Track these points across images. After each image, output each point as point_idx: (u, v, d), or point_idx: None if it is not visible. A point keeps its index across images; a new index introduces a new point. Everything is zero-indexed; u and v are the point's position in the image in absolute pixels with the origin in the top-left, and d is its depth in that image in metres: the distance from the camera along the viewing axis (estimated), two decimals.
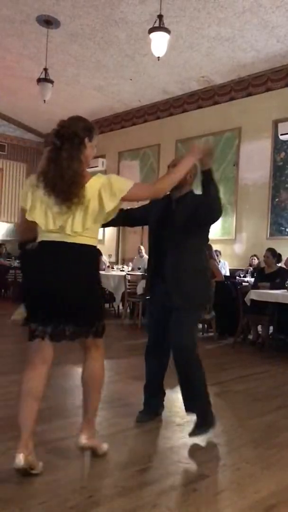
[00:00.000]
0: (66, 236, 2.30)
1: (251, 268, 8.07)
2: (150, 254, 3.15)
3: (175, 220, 2.92)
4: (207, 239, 3.08)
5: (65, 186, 2.28)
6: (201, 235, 3.00)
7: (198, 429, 2.85)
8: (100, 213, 2.34)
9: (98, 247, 2.49)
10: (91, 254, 2.41)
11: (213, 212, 2.89)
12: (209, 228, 3.05)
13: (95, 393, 2.48)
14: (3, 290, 10.98)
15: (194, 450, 2.68)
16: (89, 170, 2.50)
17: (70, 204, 2.29)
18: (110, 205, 2.31)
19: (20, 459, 2.23)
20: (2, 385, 3.84)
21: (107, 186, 2.33)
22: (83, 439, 2.44)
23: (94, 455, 2.51)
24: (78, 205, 2.30)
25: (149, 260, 3.21)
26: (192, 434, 2.84)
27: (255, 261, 8.25)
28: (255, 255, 8.30)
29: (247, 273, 8.01)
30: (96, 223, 2.36)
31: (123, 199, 2.35)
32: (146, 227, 3.21)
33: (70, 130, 2.36)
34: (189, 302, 2.90)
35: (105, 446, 2.56)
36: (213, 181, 2.86)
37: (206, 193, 2.85)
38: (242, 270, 8.33)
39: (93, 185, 2.33)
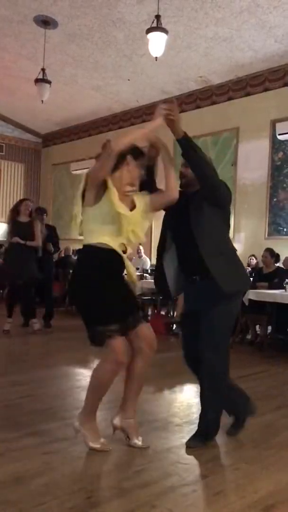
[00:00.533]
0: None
1: (250, 268, 8.06)
2: (166, 254, 2.86)
3: (190, 215, 2.71)
4: (227, 225, 2.84)
5: None
6: (217, 222, 2.72)
7: (197, 438, 2.77)
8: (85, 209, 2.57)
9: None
10: (84, 254, 2.59)
11: (210, 187, 2.61)
12: (224, 212, 2.77)
13: (89, 390, 2.64)
14: (1, 291, 10.95)
15: (192, 451, 2.68)
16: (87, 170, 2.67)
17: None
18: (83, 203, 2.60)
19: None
20: (1, 386, 3.84)
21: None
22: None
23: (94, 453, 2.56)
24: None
25: (167, 260, 2.87)
26: (189, 443, 2.76)
27: (253, 261, 8.25)
28: (253, 255, 8.30)
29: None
30: (87, 222, 2.57)
31: (91, 180, 2.51)
32: None
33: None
34: (221, 291, 2.61)
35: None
36: (193, 149, 2.59)
37: (193, 168, 2.61)
38: None
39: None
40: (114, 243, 2.50)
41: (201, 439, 2.76)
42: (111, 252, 2.50)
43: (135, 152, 2.58)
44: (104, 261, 2.51)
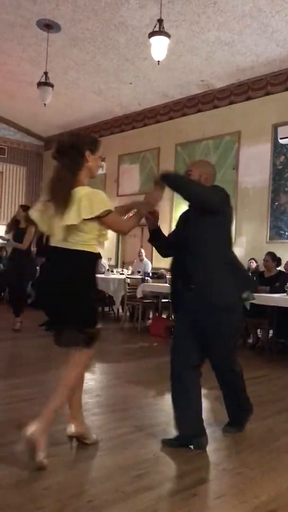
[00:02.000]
0: (56, 241, 2.49)
1: (250, 273, 8.07)
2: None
3: (189, 226, 2.84)
4: (227, 234, 2.90)
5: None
6: (215, 233, 2.75)
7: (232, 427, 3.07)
8: (79, 220, 2.39)
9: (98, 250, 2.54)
10: (75, 259, 2.46)
11: (201, 204, 2.72)
12: (224, 219, 2.80)
13: (60, 395, 2.54)
14: (2, 294, 10.95)
15: (193, 455, 2.68)
16: None
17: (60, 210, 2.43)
18: (84, 214, 2.38)
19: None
20: (2, 389, 3.84)
21: (90, 196, 2.41)
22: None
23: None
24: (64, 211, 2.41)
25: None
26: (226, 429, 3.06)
27: (253, 265, 8.25)
28: (253, 259, 8.30)
29: None
30: (79, 230, 2.42)
31: (101, 220, 2.43)
32: (145, 230, 3.19)
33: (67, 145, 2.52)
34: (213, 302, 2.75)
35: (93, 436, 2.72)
36: (175, 182, 2.74)
37: (184, 195, 2.70)
38: None
39: (77, 192, 2.42)
40: None
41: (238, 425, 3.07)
42: None
43: (92, 145, 2.55)
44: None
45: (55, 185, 2.48)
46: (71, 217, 2.38)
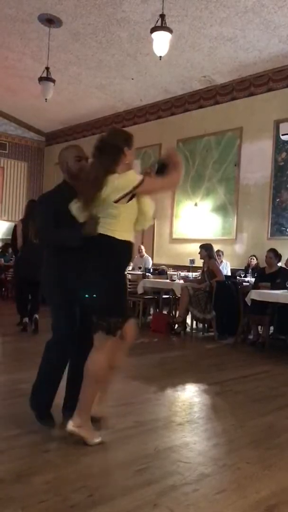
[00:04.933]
0: None
1: (250, 269, 8.09)
2: None
3: None
4: None
5: None
6: None
7: None
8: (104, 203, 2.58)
9: None
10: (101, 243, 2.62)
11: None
12: None
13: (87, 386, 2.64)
14: (3, 289, 10.95)
15: (194, 450, 2.68)
16: None
17: None
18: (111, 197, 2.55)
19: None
20: (5, 384, 3.85)
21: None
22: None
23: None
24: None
25: None
26: None
27: (254, 261, 8.25)
28: (253, 255, 8.31)
29: (247, 273, 8.03)
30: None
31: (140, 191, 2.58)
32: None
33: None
34: None
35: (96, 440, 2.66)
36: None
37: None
38: (242, 270, 8.35)
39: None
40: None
41: None
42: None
43: (129, 141, 2.69)
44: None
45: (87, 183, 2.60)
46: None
